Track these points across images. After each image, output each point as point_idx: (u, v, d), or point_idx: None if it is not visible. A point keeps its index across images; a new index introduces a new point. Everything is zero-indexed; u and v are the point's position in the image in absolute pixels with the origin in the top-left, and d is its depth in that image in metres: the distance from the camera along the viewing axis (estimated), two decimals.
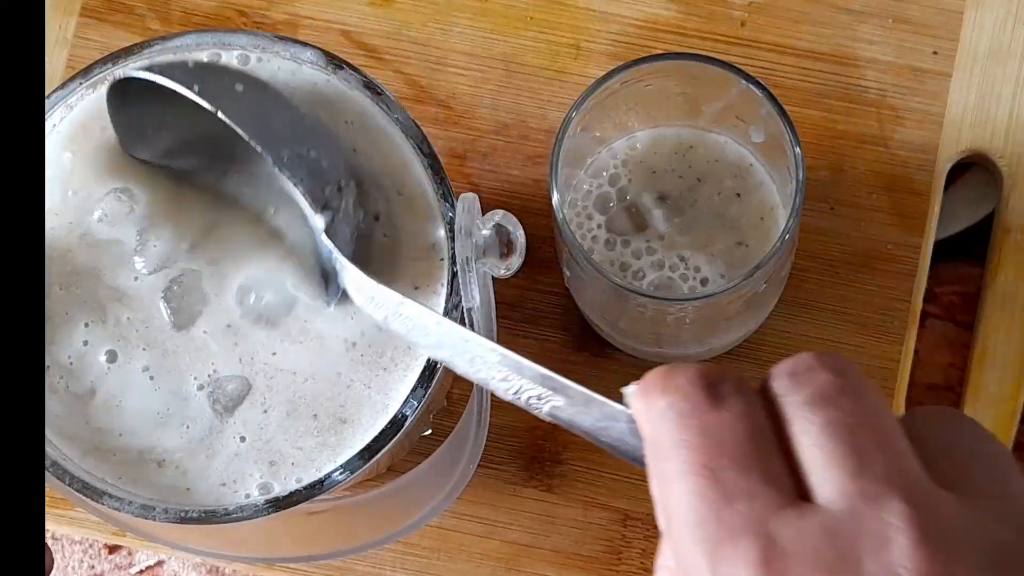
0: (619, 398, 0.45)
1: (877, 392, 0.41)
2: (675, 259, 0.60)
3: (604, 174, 0.61)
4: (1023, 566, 0.38)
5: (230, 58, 0.58)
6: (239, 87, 0.55)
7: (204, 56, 0.58)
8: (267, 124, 0.54)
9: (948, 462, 0.41)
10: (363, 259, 0.55)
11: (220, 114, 0.53)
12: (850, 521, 0.38)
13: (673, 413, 0.40)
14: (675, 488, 0.40)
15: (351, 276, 0.54)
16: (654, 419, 0.41)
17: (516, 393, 0.46)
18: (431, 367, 0.55)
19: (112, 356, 0.56)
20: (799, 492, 0.40)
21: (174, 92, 0.53)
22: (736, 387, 0.41)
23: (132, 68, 0.55)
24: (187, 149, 0.57)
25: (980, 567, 0.38)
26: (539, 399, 0.46)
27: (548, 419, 0.46)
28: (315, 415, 0.57)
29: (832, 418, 0.40)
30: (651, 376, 0.42)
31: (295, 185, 0.54)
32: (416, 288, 0.57)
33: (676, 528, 0.40)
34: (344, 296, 0.55)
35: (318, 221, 0.54)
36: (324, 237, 0.54)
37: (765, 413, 0.41)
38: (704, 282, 0.60)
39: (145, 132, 0.57)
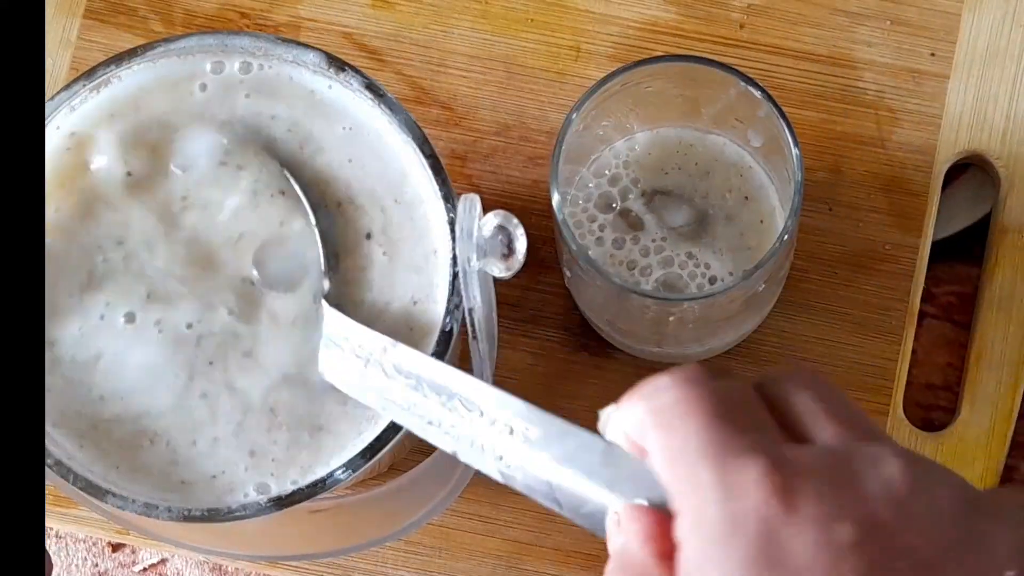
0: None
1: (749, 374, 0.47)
2: (683, 257, 0.60)
3: (607, 173, 0.61)
4: (992, 505, 0.43)
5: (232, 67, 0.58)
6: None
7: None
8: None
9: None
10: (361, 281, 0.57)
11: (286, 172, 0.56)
12: (846, 449, 0.43)
13: (678, 382, 0.44)
14: (680, 428, 0.43)
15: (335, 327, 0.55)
16: (657, 394, 0.44)
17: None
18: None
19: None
20: (797, 437, 0.44)
21: None
22: (731, 373, 0.45)
23: None
24: None
25: (960, 496, 0.43)
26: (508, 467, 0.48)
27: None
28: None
29: (821, 394, 0.45)
30: (645, 381, 0.45)
31: (324, 245, 0.56)
32: (415, 304, 0.57)
33: (680, 460, 0.43)
34: None
35: (324, 284, 0.56)
36: (324, 303, 0.56)
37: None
38: (712, 280, 0.60)
39: None
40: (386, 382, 0.53)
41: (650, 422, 0.44)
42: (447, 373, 0.51)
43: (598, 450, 0.46)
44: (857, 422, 0.44)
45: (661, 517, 0.44)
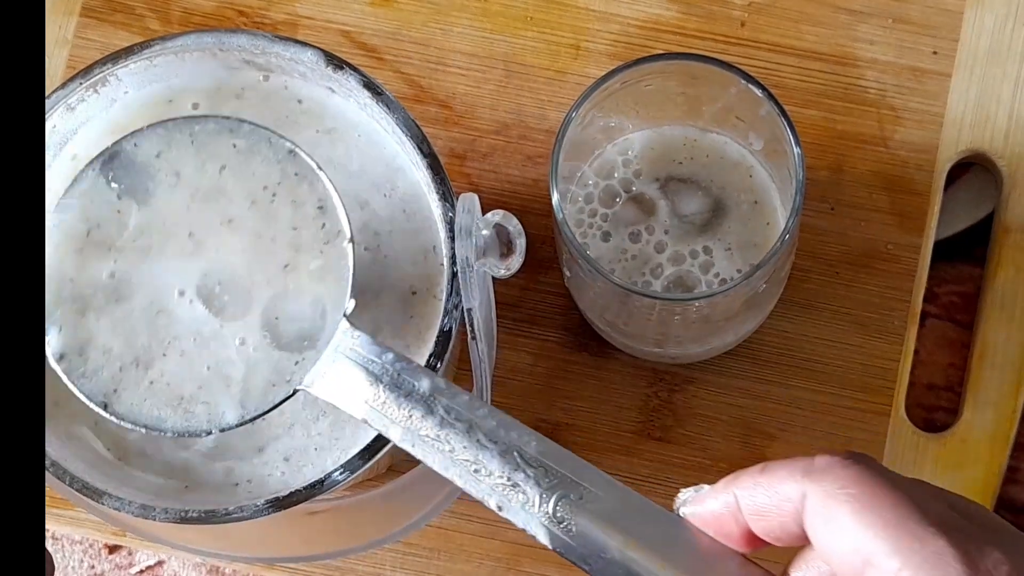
0: (618, 398, 0.45)
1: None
2: (695, 250, 0.60)
3: (608, 169, 0.61)
4: None
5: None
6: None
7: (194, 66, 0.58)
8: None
9: None
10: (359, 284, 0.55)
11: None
12: None
13: (830, 465, 0.42)
14: (885, 513, 0.41)
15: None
16: (818, 474, 0.42)
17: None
18: (432, 367, 0.55)
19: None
20: None
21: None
22: (1005, 556, 0.41)
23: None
24: None
25: None
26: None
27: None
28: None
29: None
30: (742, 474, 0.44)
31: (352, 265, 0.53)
32: (414, 293, 0.57)
33: None
34: None
35: (349, 305, 0.53)
36: (344, 323, 0.52)
37: None
38: (718, 276, 0.60)
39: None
40: (423, 419, 0.50)
41: (832, 502, 0.42)
42: (505, 422, 0.48)
43: (672, 531, 0.44)
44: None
45: None
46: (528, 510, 0.46)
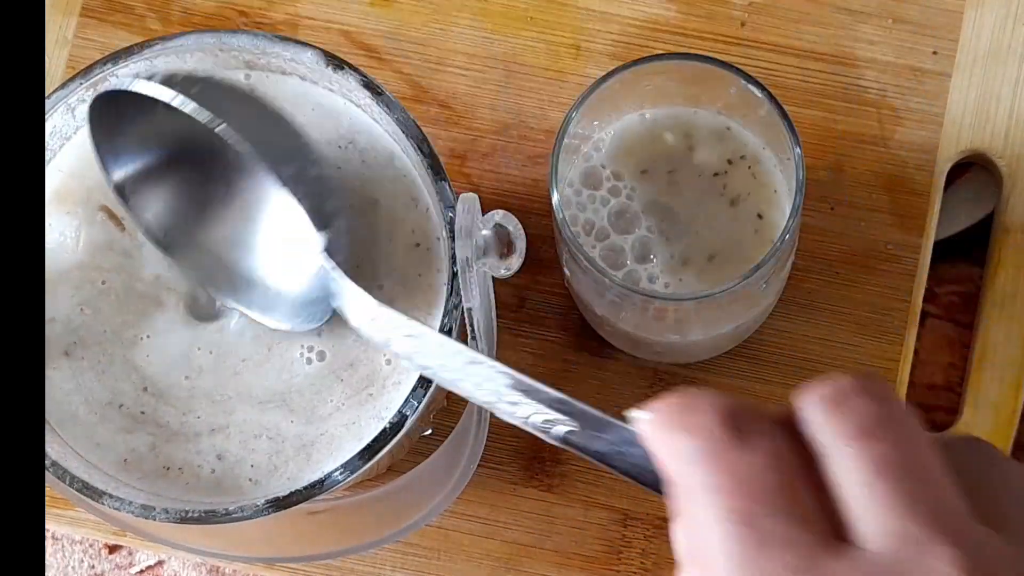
0: (618, 398, 0.45)
1: (916, 419, 0.39)
2: (684, 254, 0.60)
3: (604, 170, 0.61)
4: None
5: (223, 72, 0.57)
6: (234, 103, 0.54)
7: (195, 65, 0.58)
8: (267, 141, 0.53)
9: (982, 496, 0.40)
10: (357, 275, 0.55)
11: (220, 129, 0.51)
12: (895, 566, 0.37)
13: (699, 455, 0.39)
14: (708, 534, 0.39)
15: (351, 297, 0.53)
16: (677, 459, 0.40)
17: (526, 418, 0.45)
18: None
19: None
20: (836, 530, 0.38)
21: (163, 108, 0.51)
22: (762, 423, 0.39)
23: (126, 80, 0.53)
24: (169, 168, 0.56)
25: None
26: (550, 423, 0.44)
27: (557, 443, 0.44)
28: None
29: (876, 454, 0.38)
30: (667, 409, 0.40)
31: (299, 202, 0.53)
32: (412, 304, 0.57)
33: (708, 568, 0.39)
34: (332, 319, 0.55)
35: (319, 240, 0.53)
36: (324, 256, 0.53)
37: (795, 446, 0.39)
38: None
39: (125, 149, 0.55)
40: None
41: (672, 491, 0.40)
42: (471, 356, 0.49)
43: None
44: (921, 499, 0.38)
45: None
46: (519, 414, 0.46)
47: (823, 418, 0.39)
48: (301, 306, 0.56)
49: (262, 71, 0.58)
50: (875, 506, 0.38)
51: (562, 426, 0.44)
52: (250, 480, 0.57)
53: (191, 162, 0.55)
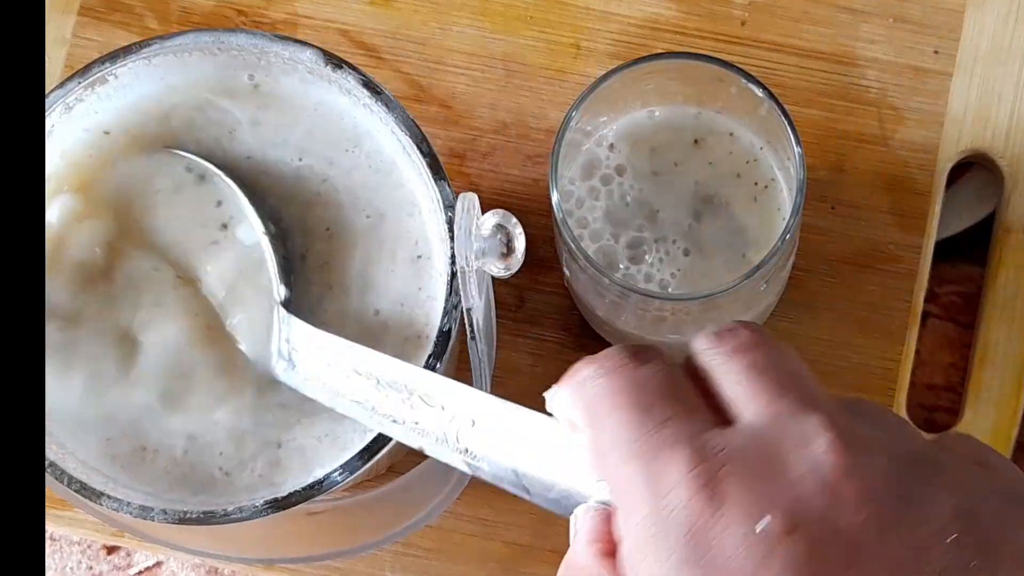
0: None
1: (791, 349, 0.45)
2: (683, 254, 0.60)
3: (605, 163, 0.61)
4: (931, 468, 0.42)
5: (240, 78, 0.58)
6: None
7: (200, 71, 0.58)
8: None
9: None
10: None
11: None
12: (773, 429, 0.42)
13: (602, 371, 0.44)
14: (607, 424, 0.43)
15: (303, 336, 0.55)
16: (583, 385, 0.44)
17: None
18: (431, 367, 0.55)
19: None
20: (722, 422, 0.43)
21: None
22: (657, 353, 0.45)
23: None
24: None
25: (895, 466, 0.42)
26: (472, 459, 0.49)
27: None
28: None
29: (752, 359, 0.44)
30: (576, 363, 0.45)
31: (276, 256, 0.56)
32: (412, 304, 0.57)
33: (609, 456, 0.43)
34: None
35: (280, 292, 0.56)
36: (280, 308, 0.56)
37: (685, 371, 0.45)
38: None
39: None
40: (347, 384, 0.53)
41: (579, 416, 0.44)
42: (404, 370, 0.52)
43: (558, 435, 0.46)
44: (790, 387, 0.43)
45: (610, 513, 0.44)
46: (443, 447, 0.50)
47: (709, 345, 0.45)
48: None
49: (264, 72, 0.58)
50: (749, 394, 0.43)
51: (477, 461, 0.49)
52: (260, 477, 0.57)
53: None
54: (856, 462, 0.41)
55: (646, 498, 0.42)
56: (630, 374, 0.44)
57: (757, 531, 0.40)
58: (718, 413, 0.44)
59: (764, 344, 0.44)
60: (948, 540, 0.41)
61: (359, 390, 0.53)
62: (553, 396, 0.46)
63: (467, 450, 0.48)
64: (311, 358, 0.55)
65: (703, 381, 0.44)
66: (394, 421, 0.52)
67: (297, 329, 0.55)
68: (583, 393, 0.44)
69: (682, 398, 0.44)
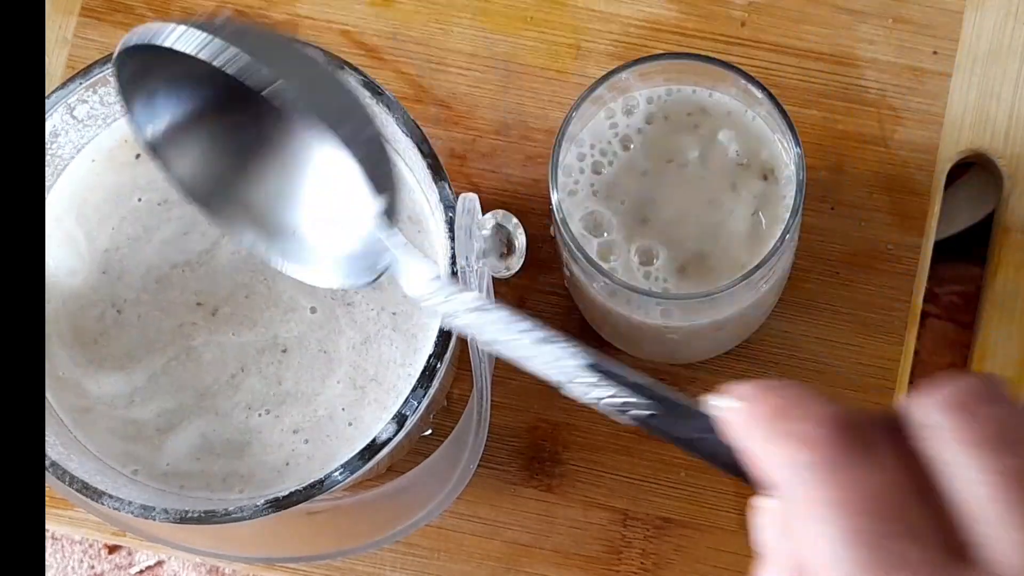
0: None
1: None
2: (684, 254, 0.60)
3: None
4: None
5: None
6: (278, 53, 0.49)
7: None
8: (318, 96, 0.49)
9: None
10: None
11: (274, 88, 0.47)
12: None
13: (815, 469, 0.36)
14: (822, 551, 0.36)
15: (411, 267, 0.49)
16: (785, 468, 0.37)
17: (600, 399, 0.43)
18: (431, 367, 0.55)
19: None
20: (959, 550, 0.36)
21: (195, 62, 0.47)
22: (881, 432, 0.36)
23: (159, 30, 0.47)
24: (204, 118, 0.52)
25: None
26: (628, 406, 0.42)
27: (635, 424, 0.43)
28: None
29: (1007, 466, 0.35)
30: (761, 407, 0.38)
31: (358, 164, 0.49)
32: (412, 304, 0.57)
33: None
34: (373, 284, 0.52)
35: (377, 204, 0.50)
36: (382, 222, 0.50)
37: (914, 456, 0.37)
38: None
39: (156, 102, 0.51)
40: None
41: (779, 503, 0.37)
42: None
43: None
44: None
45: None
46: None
47: (948, 425, 0.36)
48: (348, 264, 0.52)
49: None
50: (1005, 524, 0.35)
51: (641, 410, 0.42)
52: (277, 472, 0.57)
53: (229, 112, 0.51)
54: None
55: None
56: (855, 480, 0.35)
57: None
58: (951, 532, 0.36)
59: (1017, 430, 0.35)
60: None
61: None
62: (732, 421, 0.39)
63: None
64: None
65: (933, 465, 0.36)
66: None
67: (409, 266, 0.50)
68: (783, 475, 0.36)
69: (919, 518, 0.35)
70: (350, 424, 0.57)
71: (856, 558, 0.35)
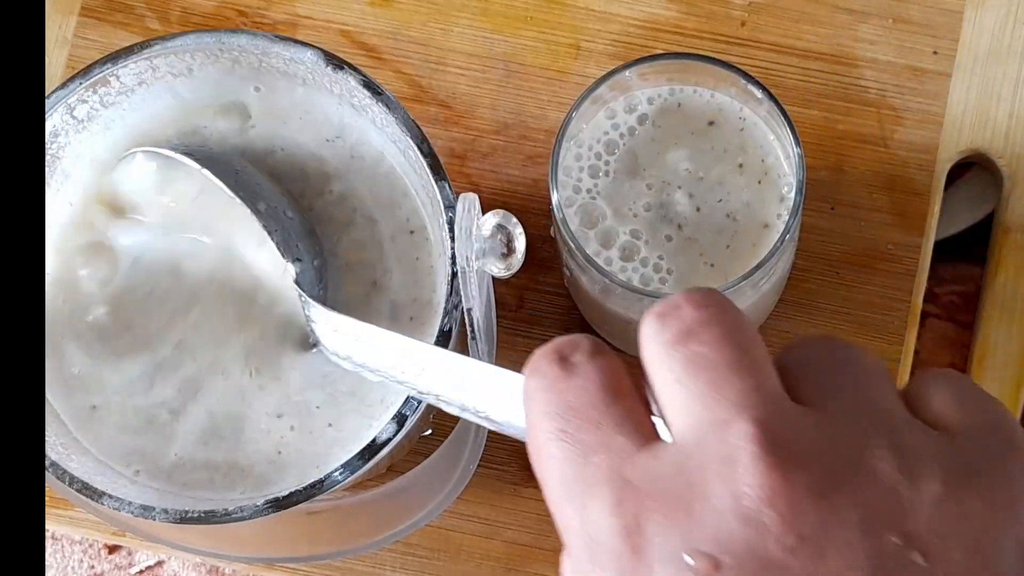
0: None
1: (742, 321, 0.41)
2: (684, 254, 0.60)
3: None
4: (861, 469, 0.39)
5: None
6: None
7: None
8: (247, 183, 0.57)
9: (816, 382, 0.41)
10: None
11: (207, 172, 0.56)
12: (698, 450, 0.39)
13: (534, 391, 0.42)
14: (542, 457, 0.42)
15: (317, 315, 0.55)
16: (525, 402, 0.43)
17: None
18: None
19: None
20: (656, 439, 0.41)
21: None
22: (587, 351, 0.42)
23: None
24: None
25: (823, 473, 0.38)
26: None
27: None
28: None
29: (689, 353, 0.40)
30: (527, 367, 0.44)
31: (269, 234, 0.56)
32: (413, 304, 0.57)
33: (550, 495, 0.41)
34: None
35: (290, 269, 0.56)
36: (294, 284, 0.56)
37: (624, 367, 0.42)
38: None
39: None
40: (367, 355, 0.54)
41: (528, 434, 0.43)
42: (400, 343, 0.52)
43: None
44: (726, 388, 0.39)
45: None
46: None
47: (654, 330, 0.41)
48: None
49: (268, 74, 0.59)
50: (683, 400, 0.40)
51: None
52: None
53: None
54: (782, 479, 0.38)
55: (581, 543, 0.40)
56: (558, 390, 0.42)
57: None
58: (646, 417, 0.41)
59: (707, 325, 0.40)
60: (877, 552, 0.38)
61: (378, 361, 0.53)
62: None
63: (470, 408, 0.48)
64: (330, 336, 0.55)
65: (647, 369, 0.41)
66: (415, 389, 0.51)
67: (314, 309, 0.56)
68: (526, 410, 0.43)
69: (612, 412, 0.41)
70: (351, 423, 0.57)
71: (558, 453, 0.41)
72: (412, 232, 0.58)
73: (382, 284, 0.58)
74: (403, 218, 0.58)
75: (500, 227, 0.54)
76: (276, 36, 0.57)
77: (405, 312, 0.58)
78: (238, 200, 0.56)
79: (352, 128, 0.59)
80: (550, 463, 0.41)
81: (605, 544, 0.40)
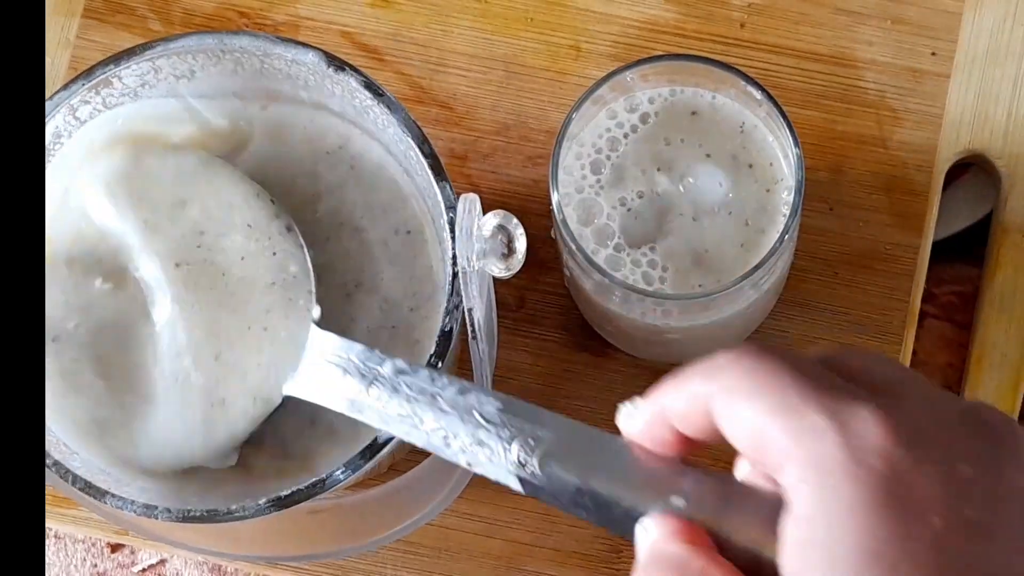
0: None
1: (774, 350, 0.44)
2: (683, 254, 0.60)
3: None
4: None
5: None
6: None
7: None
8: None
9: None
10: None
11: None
12: (939, 402, 0.44)
13: (747, 354, 0.43)
14: (776, 386, 0.42)
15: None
16: (721, 372, 0.44)
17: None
18: (433, 367, 0.55)
19: None
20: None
21: None
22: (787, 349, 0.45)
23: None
24: None
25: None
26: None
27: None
28: None
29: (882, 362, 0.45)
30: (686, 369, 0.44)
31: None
32: (414, 304, 0.57)
33: (787, 412, 0.42)
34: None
35: (315, 311, 0.57)
36: (314, 328, 0.57)
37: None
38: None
39: None
40: (391, 399, 0.52)
41: (729, 396, 0.43)
42: (464, 387, 0.51)
43: (622, 453, 0.46)
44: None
45: (687, 523, 0.44)
46: (495, 462, 0.48)
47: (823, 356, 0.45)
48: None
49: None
50: (901, 373, 0.44)
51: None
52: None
53: None
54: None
55: (838, 441, 0.41)
56: (777, 354, 0.43)
57: (950, 475, 0.42)
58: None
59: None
60: None
61: (396, 405, 0.52)
62: (642, 405, 0.45)
63: (524, 465, 0.47)
64: (345, 373, 0.55)
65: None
66: (445, 438, 0.50)
67: (331, 344, 0.56)
68: (725, 377, 0.44)
69: (834, 377, 0.44)
70: (352, 422, 0.57)
71: (813, 386, 0.42)
72: (409, 232, 0.59)
73: (372, 286, 0.58)
74: (400, 221, 0.59)
75: (501, 227, 0.54)
76: (277, 37, 0.57)
77: (401, 312, 0.58)
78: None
79: (353, 135, 0.59)
80: (786, 384, 0.43)
81: (873, 441, 0.41)
